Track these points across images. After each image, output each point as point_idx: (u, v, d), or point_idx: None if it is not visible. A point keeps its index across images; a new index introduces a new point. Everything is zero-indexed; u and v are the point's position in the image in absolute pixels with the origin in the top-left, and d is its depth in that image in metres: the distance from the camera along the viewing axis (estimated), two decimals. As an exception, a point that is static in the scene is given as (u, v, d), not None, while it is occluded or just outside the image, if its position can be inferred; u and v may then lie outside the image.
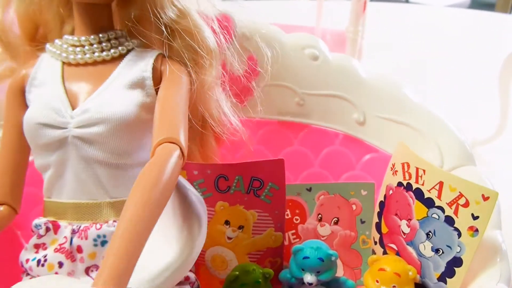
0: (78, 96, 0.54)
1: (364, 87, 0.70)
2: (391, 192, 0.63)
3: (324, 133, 0.72)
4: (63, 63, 0.56)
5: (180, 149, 0.48)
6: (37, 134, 0.52)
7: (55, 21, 0.60)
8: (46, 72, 0.56)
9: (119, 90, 0.54)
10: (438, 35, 2.06)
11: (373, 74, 0.70)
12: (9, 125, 0.57)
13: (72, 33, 0.59)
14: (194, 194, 0.52)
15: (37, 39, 0.60)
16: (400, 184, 0.61)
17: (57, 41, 0.58)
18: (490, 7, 3.82)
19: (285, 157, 0.68)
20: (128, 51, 0.57)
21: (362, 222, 0.68)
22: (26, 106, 0.56)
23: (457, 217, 0.54)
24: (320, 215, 0.68)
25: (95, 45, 0.56)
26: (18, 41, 0.59)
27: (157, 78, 0.56)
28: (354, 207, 0.68)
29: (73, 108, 0.53)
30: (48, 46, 0.58)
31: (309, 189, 0.67)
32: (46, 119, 0.52)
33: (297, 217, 0.68)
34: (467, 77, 1.64)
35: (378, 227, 0.66)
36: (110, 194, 0.53)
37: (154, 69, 0.56)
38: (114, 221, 0.52)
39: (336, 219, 0.68)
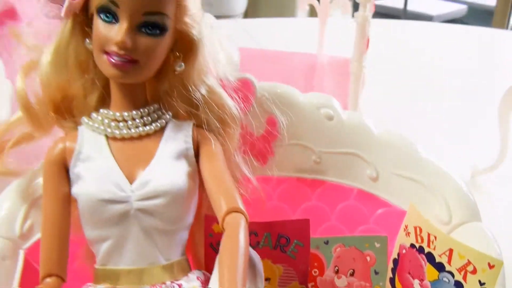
0: (132, 169, 0.58)
1: (376, 144, 0.74)
2: (404, 251, 0.67)
3: (339, 188, 0.76)
4: (107, 137, 0.60)
5: (244, 215, 0.55)
6: (100, 210, 0.56)
7: (81, 92, 0.62)
8: (91, 147, 0.59)
9: (169, 162, 0.59)
10: (436, 53, 2.10)
11: (385, 131, 0.74)
12: (50, 198, 0.60)
13: (98, 104, 0.62)
14: (255, 253, 0.58)
15: (60, 108, 0.62)
16: (413, 245, 0.65)
17: (95, 115, 0.61)
18: (489, 14, 3.88)
19: (303, 212, 0.73)
20: (166, 123, 0.62)
21: (376, 273, 0.72)
22: (68, 180, 0.60)
23: (466, 283, 0.58)
24: (336, 267, 0.72)
25: (137, 120, 0.60)
26: (40, 108, 0.61)
27: (195, 147, 0.61)
28: (368, 258, 0.72)
29: (130, 181, 0.57)
30: (85, 120, 0.61)
31: (326, 242, 0.72)
32: (108, 195, 0.56)
33: (315, 270, 0.72)
34: (465, 102, 1.68)
35: (392, 282, 0.70)
36: (165, 257, 0.58)
37: (193, 139, 0.61)
38: (172, 282, 0.57)
39: (352, 270, 0.72)
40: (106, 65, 0.56)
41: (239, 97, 0.67)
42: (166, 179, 0.57)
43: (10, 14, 1.53)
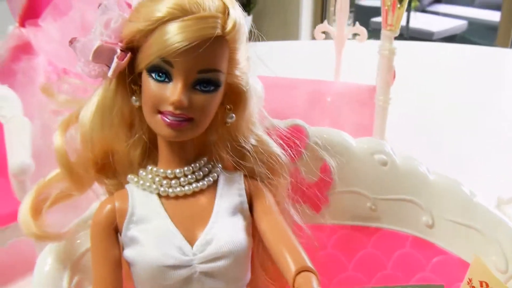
0: (190, 229, 0.56)
1: (431, 190, 0.72)
2: (470, 304, 0.65)
3: (395, 236, 0.74)
4: (159, 195, 0.57)
5: (314, 274, 0.53)
6: (162, 276, 0.54)
7: (124, 148, 0.59)
8: (144, 207, 0.56)
9: (227, 218, 0.57)
10: (446, 74, 2.10)
11: (439, 176, 0.72)
12: (101, 263, 0.56)
13: (141, 159, 0.60)
14: None
15: (101, 165, 0.60)
16: (479, 300, 0.63)
17: (143, 173, 0.58)
18: (489, 29, 3.91)
19: (359, 261, 0.71)
20: (217, 176, 0.60)
21: (434, 322, 0.70)
22: (118, 243, 0.57)
23: None
24: (394, 317, 0.70)
25: (189, 176, 0.58)
26: (80, 166, 0.58)
27: (249, 200, 0.60)
28: (425, 307, 0.70)
29: (190, 243, 0.55)
30: (133, 178, 0.58)
31: (384, 292, 0.69)
32: (172, 261, 0.53)
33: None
34: (485, 128, 1.67)
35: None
36: None
37: (246, 191, 0.60)
38: None
39: (410, 320, 0.70)
40: (160, 125, 0.54)
41: (290, 144, 0.65)
42: (227, 238, 0.55)
43: (26, 48, 1.52)
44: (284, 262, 0.55)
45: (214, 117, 0.58)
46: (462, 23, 4.36)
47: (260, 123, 0.63)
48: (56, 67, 1.67)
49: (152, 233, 0.55)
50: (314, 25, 3.71)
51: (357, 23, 1.71)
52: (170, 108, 0.53)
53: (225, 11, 0.53)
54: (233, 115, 0.59)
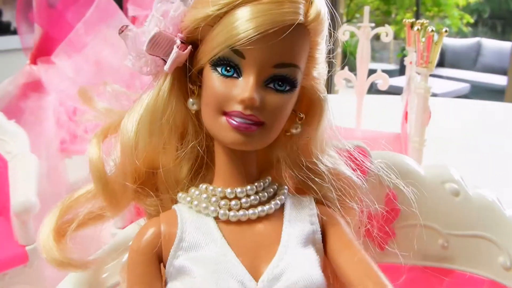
0: (254, 261, 0.45)
1: (508, 227, 0.63)
2: None
3: (469, 279, 0.64)
4: (215, 219, 0.47)
5: None
6: None
7: (171, 162, 0.50)
8: (197, 232, 0.46)
9: (298, 250, 0.46)
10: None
11: (517, 211, 0.63)
12: None
13: (189, 177, 0.50)
14: None
15: (143, 182, 0.50)
16: None
17: (196, 192, 0.49)
18: (492, 92, 3.94)
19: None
20: (284, 199, 0.50)
21: None
22: (161, 276, 0.47)
23: None
24: None
25: (252, 197, 0.48)
26: (118, 181, 0.49)
27: (321, 228, 0.49)
28: None
29: (254, 277, 0.44)
30: (185, 197, 0.49)
31: None
32: None
33: None
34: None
35: None
36: None
37: (318, 219, 0.50)
38: None
39: None
40: (225, 129, 0.45)
41: (353, 168, 0.56)
42: (301, 274, 0.44)
43: (35, 87, 1.45)
44: None
45: (282, 128, 0.49)
46: (465, 86, 4.41)
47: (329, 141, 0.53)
48: (67, 107, 1.60)
49: (207, 263, 0.44)
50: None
51: (379, 69, 1.67)
52: (239, 108, 0.44)
53: None
54: (299, 125, 0.49)
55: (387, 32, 1.64)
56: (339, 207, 0.52)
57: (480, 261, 0.64)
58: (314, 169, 0.51)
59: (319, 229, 0.49)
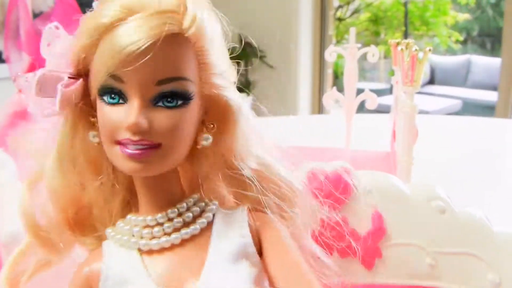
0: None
1: (497, 244, 0.63)
2: None
3: (459, 297, 0.63)
4: (140, 250, 0.45)
5: None
6: None
7: (99, 198, 0.49)
8: (121, 268, 0.45)
9: (226, 268, 0.44)
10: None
11: (506, 229, 0.63)
12: None
13: (123, 209, 0.49)
14: None
15: (77, 223, 0.49)
16: None
17: (120, 223, 0.47)
18: (483, 108, 3.95)
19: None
20: (213, 215, 0.47)
21: None
22: None
23: None
24: None
25: (175, 220, 0.46)
26: (51, 228, 0.48)
27: (256, 239, 0.46)
28: None
29: None
30: (110, 232, 0.47)
31: None
32: None
33: None
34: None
35: None
36: None
37: (251, 229, 0.47)
38: None
39: None
40: (121, 159, 0.43)
41: (337, 188, 0.57)
42: None
43: (23, 115, 1.45)
44: None
45: (198, 142, 0.47)
46: (456, 103, 4.44)
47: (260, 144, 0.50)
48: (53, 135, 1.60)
49: None
50: (313, 99, 3.75)
51: (366, 89, 1.68)
52: (127, 135, 0.42)
53: (180, 5, 0.43)
54: (209, 136, 0.46)
55: (373, 53, 1.65)
56: (278, 212, 0.49)
57: (469, 278, 0.63)
58: (239, 178, 0.48)
59: (251, 241, 0.46)
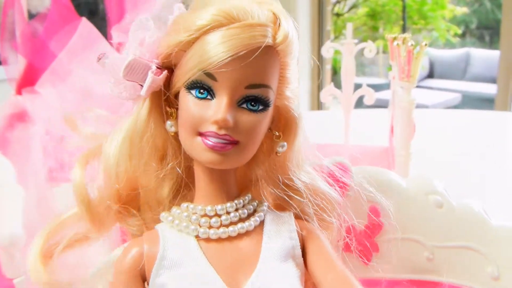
0: (234, 277, 0.46)
1: (495, 237, 0.63)
2: None
3: (458, 291, 0.63)
4: (197, 237, 0.48)
5: None
6: None
7: (152, 183, 0.51)
8: (178, 250, 0.47)
9: (276, 266, 0.47)
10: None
11: (504, 222, 0.63)
12: None
13: (171, 197, 0.52)
14: None
15: (125, 203, 0.52)
16: None
17: (177, 210, 0.50)
18: (483, 101, 3.94)
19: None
20: (264, 215, 0.51)
21: None
22: None
23: None
24: None
25: (232, 214, 0.49)
26: (101, 203, 0.51)
27: (300, 243, 0.50)
28: None
29: None
30: (167, 217, 0.50)
31: None
32: None
33: None
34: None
35: None
36: None
37: (297, 234, 0.50)
38: None
39: None
40: (201, 149, 0.46)
41: (334, 183, 0.57)
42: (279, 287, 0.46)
43: (22, 117, 1.45)
44: None
45: (260, 147, 0.50)
46: (456, 96, 4.43)
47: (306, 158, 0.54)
48: (53, 136, 1.60)
49: (187, 281, 0.46)
50: (311, 95, 3.74)
51: (364, 84, 1.68)
52: (213, 128, 0.45)
53: (276, 21, 0.47)
54: (285, 143, 0.50)
55: (370, 48, 1.65)
56: (317, 222, 0.53)
57: (467, 272, 0.64)
58: (291, 185, 0.52)
59: (299, 244, 0.50)
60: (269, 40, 0.45)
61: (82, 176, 0.51)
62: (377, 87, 1.83)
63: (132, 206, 0.52)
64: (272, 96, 0.48)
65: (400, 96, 1.18)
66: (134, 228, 0.52)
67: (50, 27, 1.45)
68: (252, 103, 0.46)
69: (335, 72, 4.13)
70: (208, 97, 0.46)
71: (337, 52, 1.75)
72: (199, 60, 0.45)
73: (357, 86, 1.70)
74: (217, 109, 0.45)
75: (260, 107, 0.47)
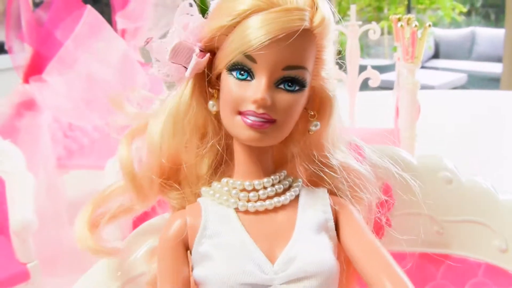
0: (271, 246, 0.49)
1: (502, 211, 0.63)
2: None
3: (466, 263, 0.65)
4: (236, 209, 0.51)
5: None
6: None
7: (193, 159, 0.54)
8: (218, 221, 0.50)
9: (311, 236, 0.50)
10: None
11: (511, 196, 0.63)
12: (169, 282, 0.50)
13: (209, 172, 0.54)
14: None
15: (167, 177, 0.54)
16: None
17: (218, 185, 0.52)
18: (489, 81, 3.92)
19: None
20: (299, 191, 0.53)
21: None
22: (188, 262, 0.51)
23: None
24: None
25: (269, 189, 0.51)
26: (146, 177, 0.53)
27: (334, 218, 0.52)
28: None
29: (271, 261, 0.48)
30: (208, 190, 0.53)
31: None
32: (249, 278, 0.46)
33: None
34: None
35: None
36: None
37: (331, 209, 0.52)
38: None
39: None
40: (240, 127, 0.48)
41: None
42: (313, 258, 0.48)
43: (29, 105, 1.46)
44: (380, 285, 0.47)
45: (295, 126, 0.52)
46: (462, 76, 4.41)
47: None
48: (61, 124, 1.61)
49: (228, 249, 0.48)
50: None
51: (368, 66, 1.67)
52: (252, 107, 0.47)
53: (314, 5, 0.48)
54: (318, 122, 0.52)
55: (374, 30, 1.65)
56: (350, 197, 0.55)
57: (476, 245, 0.64)
58: (326, 162, 0.54)
59: (332, 218, 0.51)
60: (306, 24, 0.47)
61: (128, 151, 0.54)
62: (382, 69, 1.83)
63: (174, 180, 0.54)
64: (308, 77, 0.49)
65: (404, 78, 1.18)
66: (175, 201, 0.55)
67: (55, 15, 1.46)
68: (289, 84, 0.48)
69: (340, 54, 4.10)
70: (248, 78, 0.48)
71: (341, 34, 1.75)
72: (240, 43, 0.46)
73: (362, 68, 1.70)
74: (256, 89, 0.47)
75: (297, 88, 0.48)
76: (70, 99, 1.39)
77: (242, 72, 0.48)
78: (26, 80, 1.44)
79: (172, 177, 0.54)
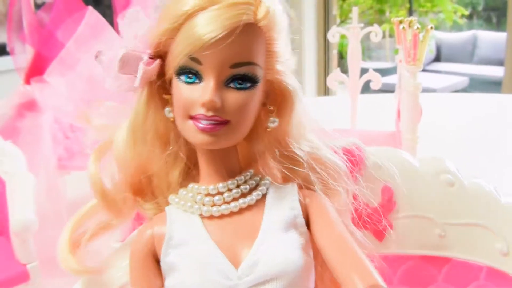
0: (236, 250, 0.48)
1: (505, 214, 0.63)
2: None
3: (467, 267, 0.65)
4: (201, 215, 0.50)
5: None
6: None
7: (162, 168, 0.53)
8: (184, 229, 0.49)
9: (278, 236, 0.48)
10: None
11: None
12: None
13: (181, 179, 0.53)
14: None
15: (139, 190, 0.54)
16: None
17: (183, 192, 0.52)
18: (490, 84, 3.92)
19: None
20: (267, 189, 0.52)
21: None
22: (160, 273, 0.50)
23: None
24: None
25: (234, 190, 0.50)
26: (117, 192, 0.53)
27: (304, 213, 0.51)
28: None
29: (235, 266, 0.47)
30: (174, 198, 0.52)
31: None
32: (213, 286, 0.46)
33: None
34: None
35: None
36: None
37: (300, 204, 0.51)
38: None
39: None
40: (193, 131, 0.48)
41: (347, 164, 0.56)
42: (278, 258, 0.47)
43: (31, 106, 1.46)
44: (348, 281, 0.45)
45: (258, 123, 0.51)
46: (463, 79, 4.41)
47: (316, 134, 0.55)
48: (62, 125, 1.61)
49: (193, 258, 0.48)
50: (318, 80, 3.73)
51: (370, 69, 1.67)
52: (202, 111, 0.46)
53: None
54: (276, 119, 0.51)
55: (376, 32, 1.65)
56: (323, 190, 0.54)
57: (477, 248, 0.64)
58: (291, 156, 0.52)
59: (300, 213, 0.50)
60: (249, 18, 0.46)
61: (97, 167, 0.53)
62: (384, 71, 1.83)
63: (146, 191, 0.54)
64: (259, 72, 0.48)
65: (406, 80, 1.18)
66: (151, 211, 0.54)
67: (57, 17, 1.46)
68: (239, 82, 0.47)
69: (342, 57, 4.11)
70: (197, 81, 0.47)
71: (343, 36, 1.74)
72: (183, 45, 0.46)
73: (364, 71, 1.70)
74: (204, 91, 0.46)
75: (248, 85, 0.48)
76: (71, 100, 1.38)
77: (190, 76, 0.47)
78: (27, 81, 1.44)
79: (144, 188, 0.53)
